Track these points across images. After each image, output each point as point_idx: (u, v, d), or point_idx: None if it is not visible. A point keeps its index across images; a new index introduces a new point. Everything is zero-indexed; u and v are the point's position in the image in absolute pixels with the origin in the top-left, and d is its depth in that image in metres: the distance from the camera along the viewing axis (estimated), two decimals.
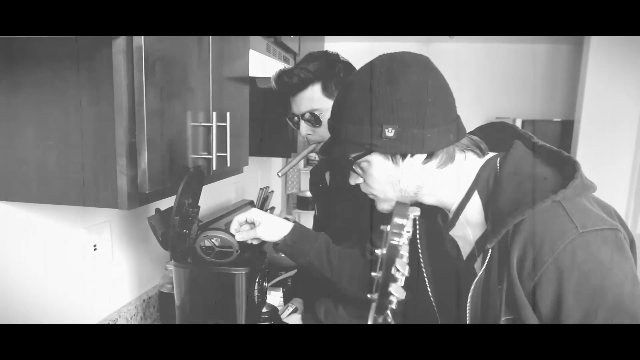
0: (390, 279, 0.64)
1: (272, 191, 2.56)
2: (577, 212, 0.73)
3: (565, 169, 0.78)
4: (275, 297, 1.57)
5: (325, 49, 1.33)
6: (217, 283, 1.04)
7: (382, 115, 0.79)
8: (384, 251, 0.64)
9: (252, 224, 1.12)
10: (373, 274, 0.67)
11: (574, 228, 0.71)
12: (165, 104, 0.88)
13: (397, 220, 0.64)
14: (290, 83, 1.24)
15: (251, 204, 2.34)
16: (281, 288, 1.60)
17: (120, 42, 0.77)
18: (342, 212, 1.32)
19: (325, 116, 1.24)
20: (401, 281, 0.64)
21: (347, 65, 1.29)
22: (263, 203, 2.46)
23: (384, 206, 0.92)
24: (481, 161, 0.86)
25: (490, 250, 0.78)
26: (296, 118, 1.29)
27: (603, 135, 2.88)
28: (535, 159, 0.82)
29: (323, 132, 1.27)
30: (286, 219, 2.04)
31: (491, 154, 0.87)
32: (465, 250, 0.89)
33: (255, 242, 1.14)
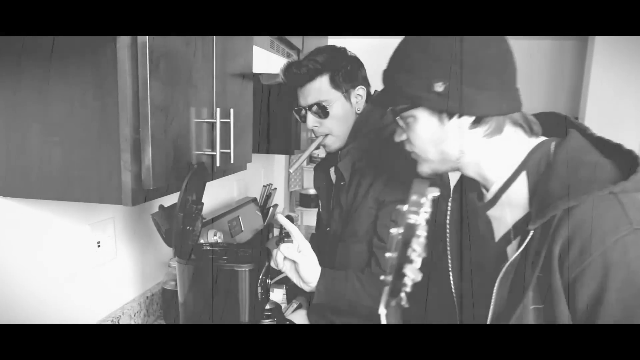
0: (405, 260, 0.62)
1: (275, 188, 2.56)
2: (633, 207, 0.69)
3: (625, 163, 0.73)
4: (278, 294, 1.57)
5: (331, 44, 1.33)
6: (220, 280, 1.04)
7: (435, 66, 0.77)
8: (400, 230, 0.62)
9: (293, 262, 1.13)
10: (387, 254, 0.65)
11: (628, 223, 0.67)
12: (169, 100, 0.88)
13: (414, 197, 0.62)
14: (298, 74, 1.25)
15: (254, 201, 2.34)
16: (284, 285, 1.60)
17: (124, 37, 0.77)
18: (347, 208, 1.32)
19: (333, 108, 1.26)
20: (417, 262, 0.63)
21: (355, 59, 1.30)
22: (266, 200, 2.46)
23: (423, 168, 0.88)
24: (532, 142, 0.82)
25: (531, 232, 0.74)
26: (303, 110, 1.29)
27: (607, 131, 2.86)
28: (592, 149, 0.78)
29: (329, 124, 1.28)
30: (289, 216, 2.04)
31: (543, 138, 0.83)
32: (499, 231, 0.85)
33: (285, 270, 1.16)
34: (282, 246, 1.13)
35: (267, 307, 1.33)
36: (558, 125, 0.85)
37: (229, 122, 1.08)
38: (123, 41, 0.77)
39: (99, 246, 1.28)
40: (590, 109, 2.88)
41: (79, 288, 1.23)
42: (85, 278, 1.25)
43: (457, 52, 0.75)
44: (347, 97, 1.28)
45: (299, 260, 1.12)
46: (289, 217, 2.01)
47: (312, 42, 2.08)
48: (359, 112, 1.31)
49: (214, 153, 1.06)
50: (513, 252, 0.78)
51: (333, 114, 1.26)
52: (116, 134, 0.81)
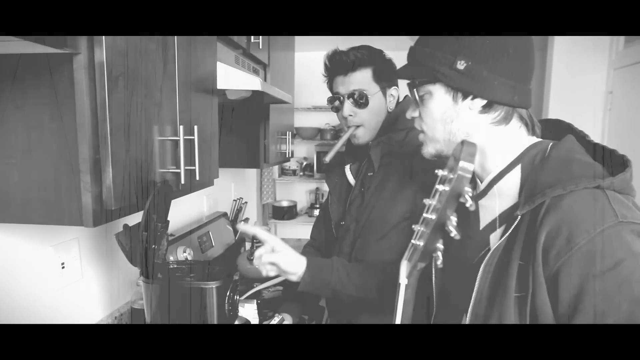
0: (446, 217, 0.66)
1: (246, 202, 2.55)
2: (619, 203, 0.71)
3: (616, 166, 0.76)
4: (249, 310, 1.56)
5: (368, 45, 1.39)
6: (187, 298, 1.03)
7: (460, 46, 0.80)
8: (446, 188, 0.65)
9: (272, 251, 1.18)
10: (424, 215, 0.67)
11: (613, 216, 0.69)
12: (129, 119, 0.87)
13: (468, 149, 0.65)
14: (346, 61, 1.32)
15: (225, 216, 2.33)
16: (255, 300, 1.59)
17: (81, 58, 0.77)
18: (371, 201, 1.35)
19: (371, 100, 1.33)
20: (455, 223, 0.66)
21: (391, 62, 1.39)
22: (237, 214, 2.45)
23: (428, 149, 0.91)
24: (531, 140, 0.86)
25: (518, 218, 0.76)
26: (341, 98, 1.35)
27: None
28: (584, 152, 0.80)
29: (364, 115, 1.34)
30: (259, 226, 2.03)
31: (543, 140, 0.87)
32: (485, 220, 0.88)
33: (270, 272, 1.20)
34: (255, 255, 1.17)
35: (236, 322, 1.32)
36: (560, 131, 0.89)
37: (193, 139, 1.08)
38: (80, 61, 0.77)
39: (63, 267, 1.25)
40: (552, 110, 3.03)
41: (43, 311, 1.20)
42: (49, 301, 1.22)
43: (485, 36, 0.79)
44: (384, 94, 1.36)
45: (276, 260, 1.16)
46: None
47: (278, 56, 2.09)
48: (390, 110, 1.38)
49: (179, 170, 1.06)
50: (496, 240, 0.81)
51: (370, 106, 1.33)
52: (75, 154, 0.81)
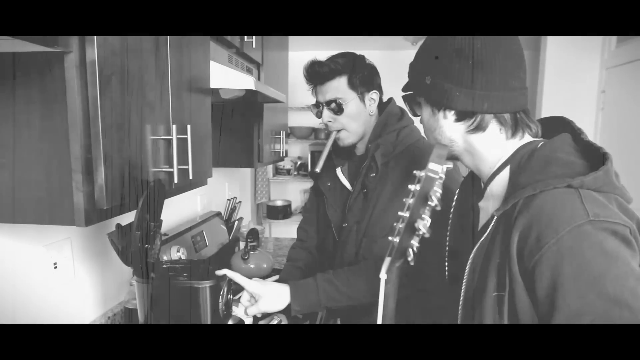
0: (418, 215, 0.69)
1: (240, 202, 2.55)
2: (593, 202, 0.71)
3: (599, 163, 0.76)
4: (243, 309, 1.55)
5: (351, 52, 1.46)
6: (180, 297, 1.03)
7: (426, 64, 0.88)
8: (417, 187, 0.69)
9: (253, 299, 1.28)
10: (399, 213, 0.72)
11: (584, 214, 0.69)
12: (122, 119, 0.87)
13: (437, 151, 0.69)
14: (320, 72, 1.39)
15: (219, 215, 2.32)
16: None
17: (72, 56, 0.76)
18: (374, 201, 1.39)
19: (347, 106, 1.39)
20: (427, 221, 0.69)
21: (372, 67, 1.45)
22: (231, 214, 2.45)
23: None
24: (523, 140, 0.87)
25: (494, 218, 0.79)
26: (320, 106, 1.43)
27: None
28: (573, 150, 0.80)
29: (343, 121, 1.41)
30: (254, 230, 2.02)
31: (537, 139, 0.88)
32: (482, 221, 0.91)
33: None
34: (237, 311, 1.27)
35: (230, 322, 1.32)
36: (557, 129, 0.89)
37: (186, 138, 1.08)
38: (71, 60, 0.76)
39: (55, 267, 1.24)
40: (545, 109, 3.04)
41: (35, 312, 1.19)
42: (41, 301, 1.21)
43: (444, 51, 0.84)
44: (362, 99, 1.41)
45: (260, 310, 1.25)
46: (254, 230, 2.00)
47: (272, 56, 2.09)
48: (372, 113, 1.44)
49: (172, 170, 1.05)
50: (487, 240, 0.82)
51: (347, 112, 1.39)
52: (67, 153, 0.80)
